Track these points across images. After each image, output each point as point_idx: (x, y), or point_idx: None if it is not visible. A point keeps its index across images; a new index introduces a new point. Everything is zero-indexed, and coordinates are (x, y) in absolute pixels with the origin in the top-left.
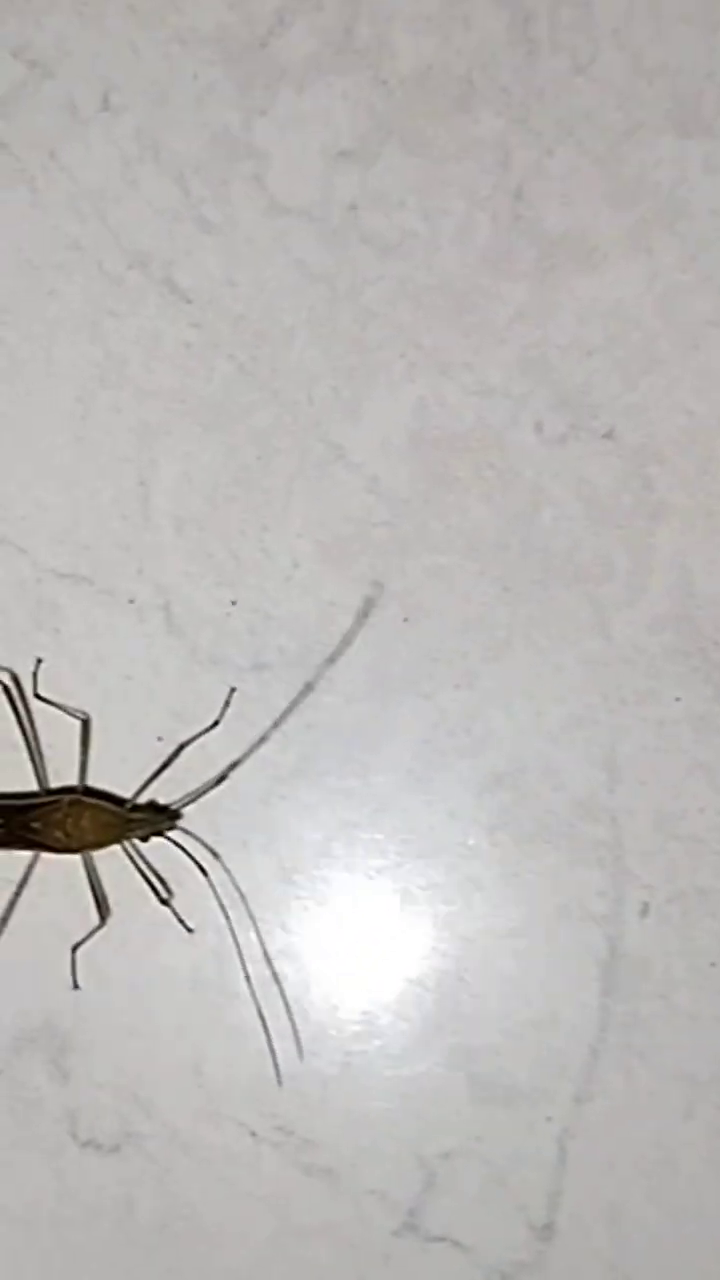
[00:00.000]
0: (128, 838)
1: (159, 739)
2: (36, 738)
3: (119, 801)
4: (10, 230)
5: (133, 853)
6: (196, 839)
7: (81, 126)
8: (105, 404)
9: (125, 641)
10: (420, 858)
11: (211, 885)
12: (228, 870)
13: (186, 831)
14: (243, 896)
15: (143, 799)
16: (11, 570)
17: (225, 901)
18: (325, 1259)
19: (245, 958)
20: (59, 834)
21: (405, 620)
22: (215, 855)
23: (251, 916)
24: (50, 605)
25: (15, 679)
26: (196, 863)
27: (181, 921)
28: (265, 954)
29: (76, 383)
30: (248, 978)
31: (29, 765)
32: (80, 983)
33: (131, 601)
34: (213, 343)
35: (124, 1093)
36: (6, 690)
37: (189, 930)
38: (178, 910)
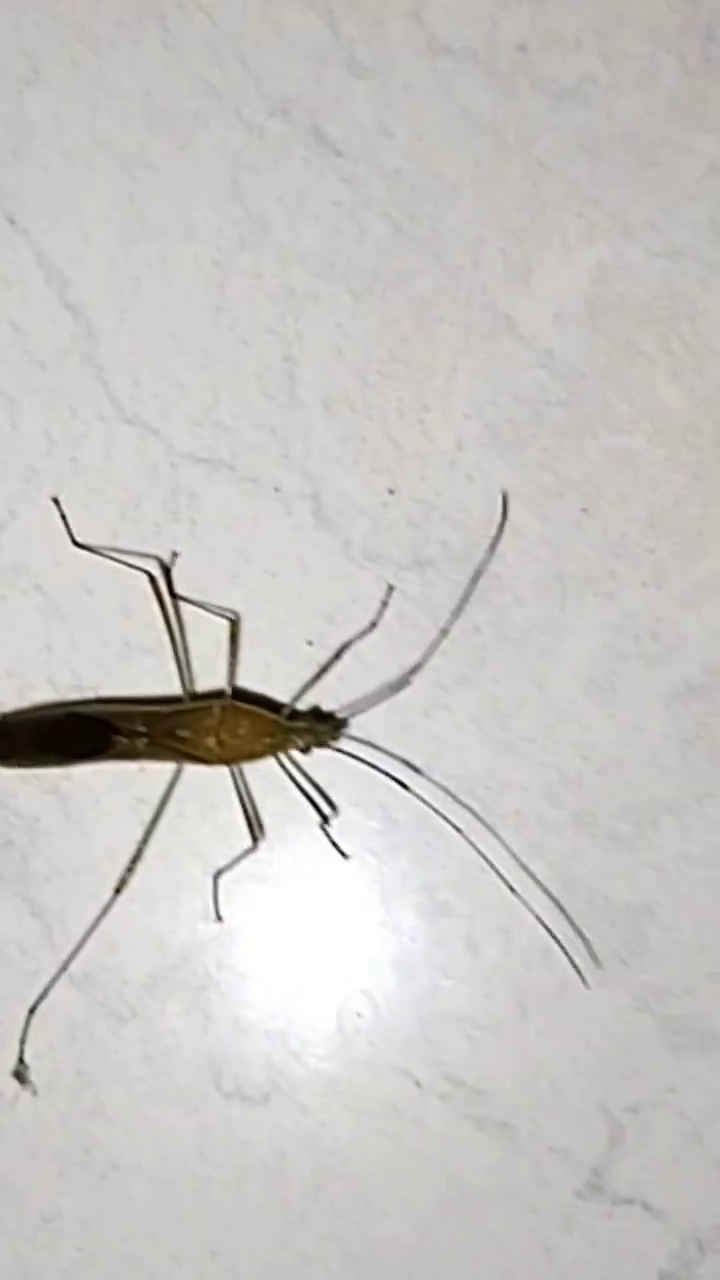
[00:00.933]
0: (286, 749)
1: (309, 643)
2: (183, 637)
3: (275, 708)
4: (140, 76)
5: (290, 767)
6: (384, 752)
7: None
8: (246, 269)
9: (270, 535)
10: (602, 775)
11: (418, 796)
12: (407, 787)
13: (364, 742)
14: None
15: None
16: (143, 455)
17: (385, 824)
18: (500, 1224)
19: (405, 888)
20: (210, 742)
21: (584, 511)
22: (414, 769)
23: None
24: (187, 493)
25: (165, 569)
26: (392, 776)
27: (336, 846)
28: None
29: (214, 245)
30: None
31: (171, 669)
32: (223, 914)
33: (277, 490)
34: (365, 200)
35: (273, 1037)
36: (153, 582)
37: (345, 856)
38: (332, 834)
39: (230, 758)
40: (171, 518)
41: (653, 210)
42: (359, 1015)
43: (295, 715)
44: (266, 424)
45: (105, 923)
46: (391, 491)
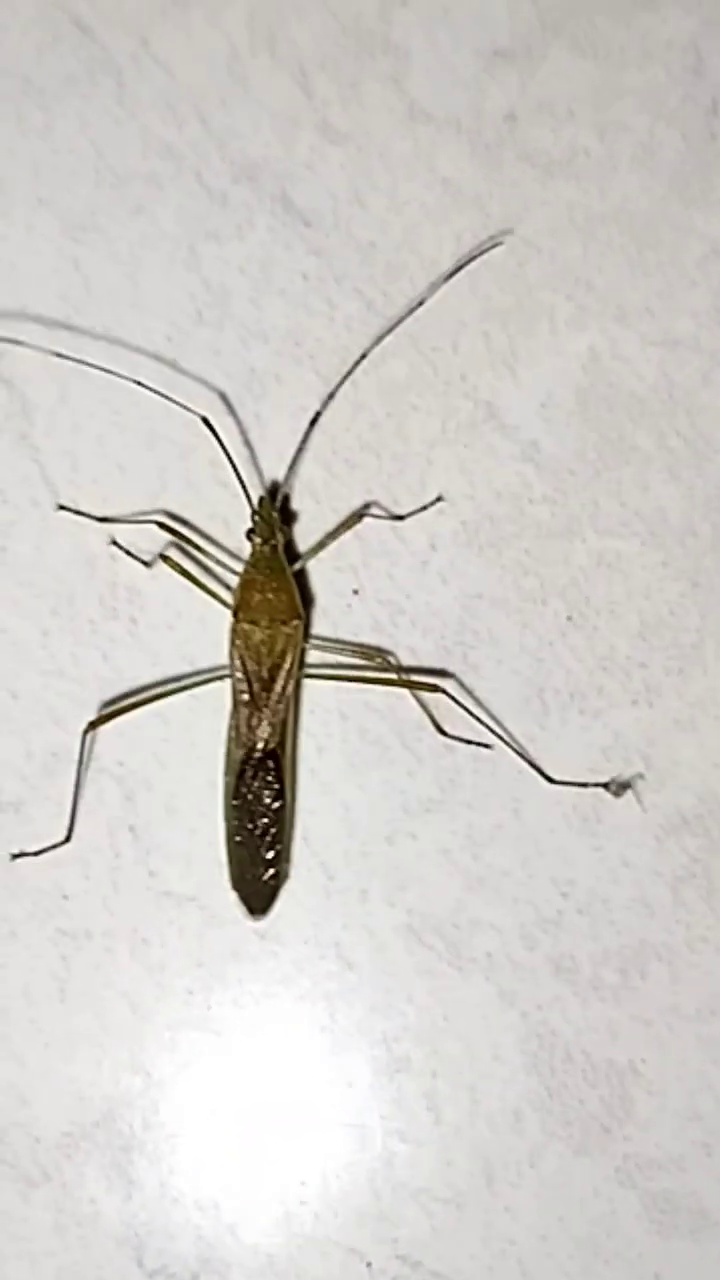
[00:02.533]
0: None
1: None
2: None
3: None
4: (93, 133)
5: None
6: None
7: (181, 10)
8: (202, 344)
9: (220, 636)
10: (583, 914)
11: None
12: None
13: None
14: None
15: None
16: (80, 545)
17: (339, 965)
18: None
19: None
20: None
21: (569, 619)
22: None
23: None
24: (126, 588)
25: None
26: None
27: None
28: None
29: (167, 318)
30: None
31: None
32: (153, 1067)
33: (228, 587)
34: (336, 275)
35: (204, 1208)
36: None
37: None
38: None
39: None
40: (109, 614)
41: (649, 295)
42: (303, 1184)
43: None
44: (218, 514)
45: (17, 1072)
46: (356, 592)
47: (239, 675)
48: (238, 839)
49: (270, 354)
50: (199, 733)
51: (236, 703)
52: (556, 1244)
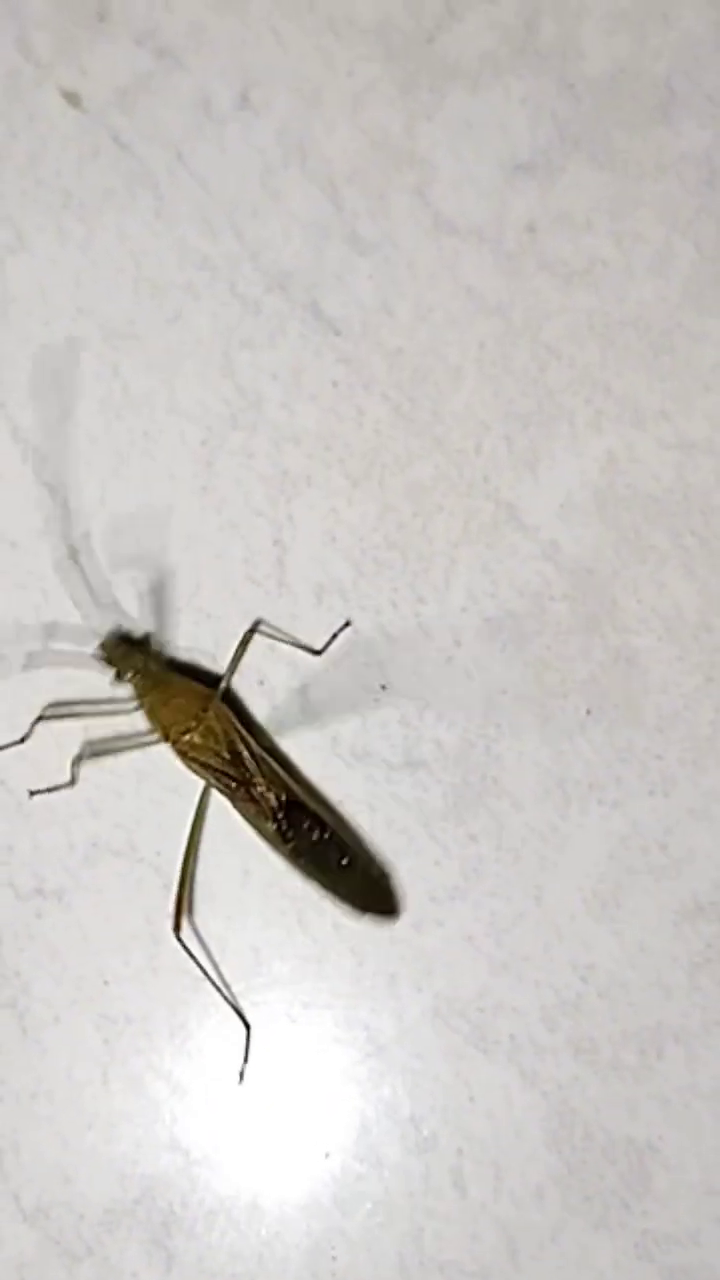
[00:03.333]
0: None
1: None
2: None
3: None
4: (130, 244)
5: None
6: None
7: (216, 126)
8: (236, 448)
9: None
10: (603, 998)
11: None
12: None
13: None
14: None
15: None
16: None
17: (370, 1049)
18: None
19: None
20: None
21: (589, 713)
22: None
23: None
24: None
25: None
26: None
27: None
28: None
29: (202, 423)
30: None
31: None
32: (190, 1144)
33: (261, 683)
34: (364, 381)
35: None
36: None
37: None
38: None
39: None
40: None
41: (665, 399)
42: (334, 1259)
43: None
44: (253, 612)
45: (60, 1152)
46: (384, 687)
47: (213, 779)
48: (316, 867)
49: (301, 456)
50: (232, 823)
51: (234, 798)
52: None
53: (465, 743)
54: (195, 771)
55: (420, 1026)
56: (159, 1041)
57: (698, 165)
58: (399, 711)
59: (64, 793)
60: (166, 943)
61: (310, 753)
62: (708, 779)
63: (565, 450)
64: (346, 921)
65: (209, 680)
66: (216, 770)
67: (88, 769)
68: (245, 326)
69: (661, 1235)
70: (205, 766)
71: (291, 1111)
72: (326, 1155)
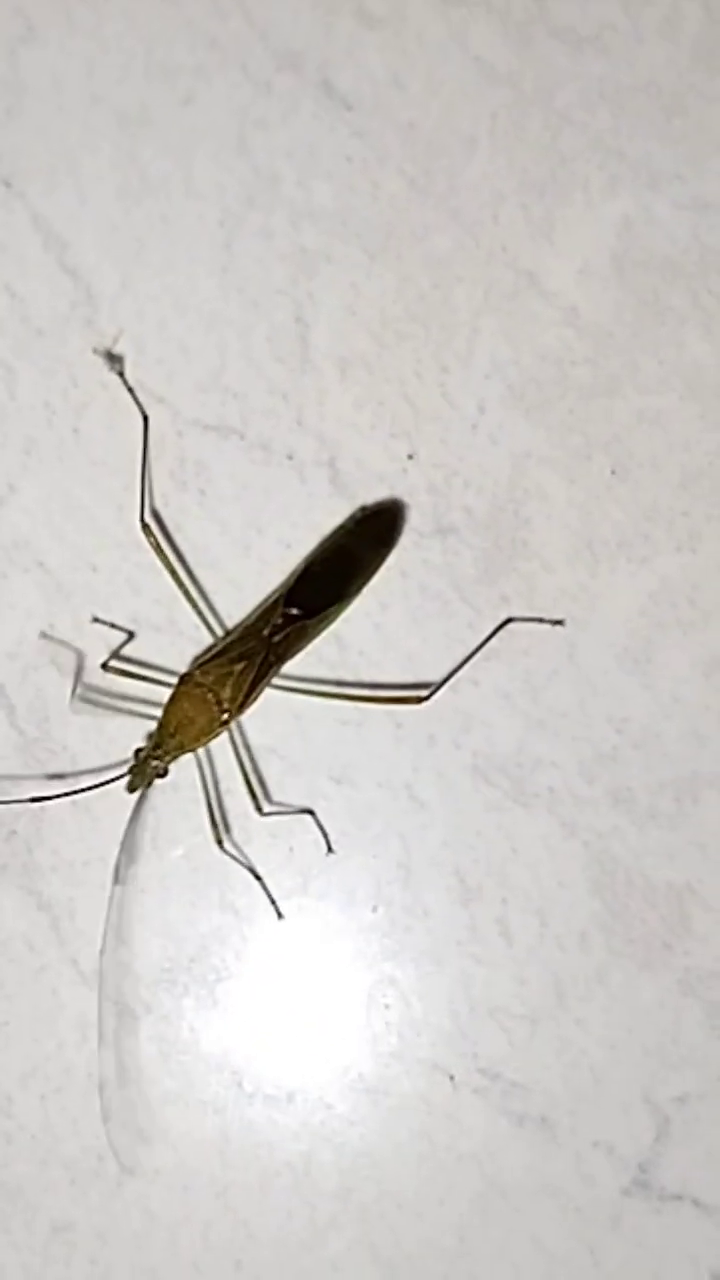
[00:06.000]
0: None
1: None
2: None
3: None
4: (139, 31)
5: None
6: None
7: None
8: (254, 228)
9: (283, 504)
10: (638, 748)
11: None
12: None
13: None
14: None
15: None
16: (150, 423)
17: (411, 804)
18: (542, 1225)
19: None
20: None
21: (613, 473)
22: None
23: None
24: (194, 462)
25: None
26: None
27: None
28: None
29: (220, 204)
30: None
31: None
32: (241, 904)
33: (290, 457)
34: (379, 155)
35: (296, 1033)
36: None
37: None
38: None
39: None
40: (179, 487)
41: (679, 161)
42: (387, 1007)
43: None
44: (278, 389)
45: (115, 916)
46: (411, 457)
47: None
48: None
49: (319, 233)
50: None
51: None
52: (625, 1052)
53: (494, 508)
54: None
55: (460, 783)
56: (198, 805)
57: None
58: (427, 479)
59: (102, 571)
60: None
61: (338, 523)
62: None
63: (581, 216)
64: (384, 683)
65: None
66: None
67: (122, 547)
68: (258, 106)
69: (704, 972)
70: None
71: (337, 870)
72: (374, 909)
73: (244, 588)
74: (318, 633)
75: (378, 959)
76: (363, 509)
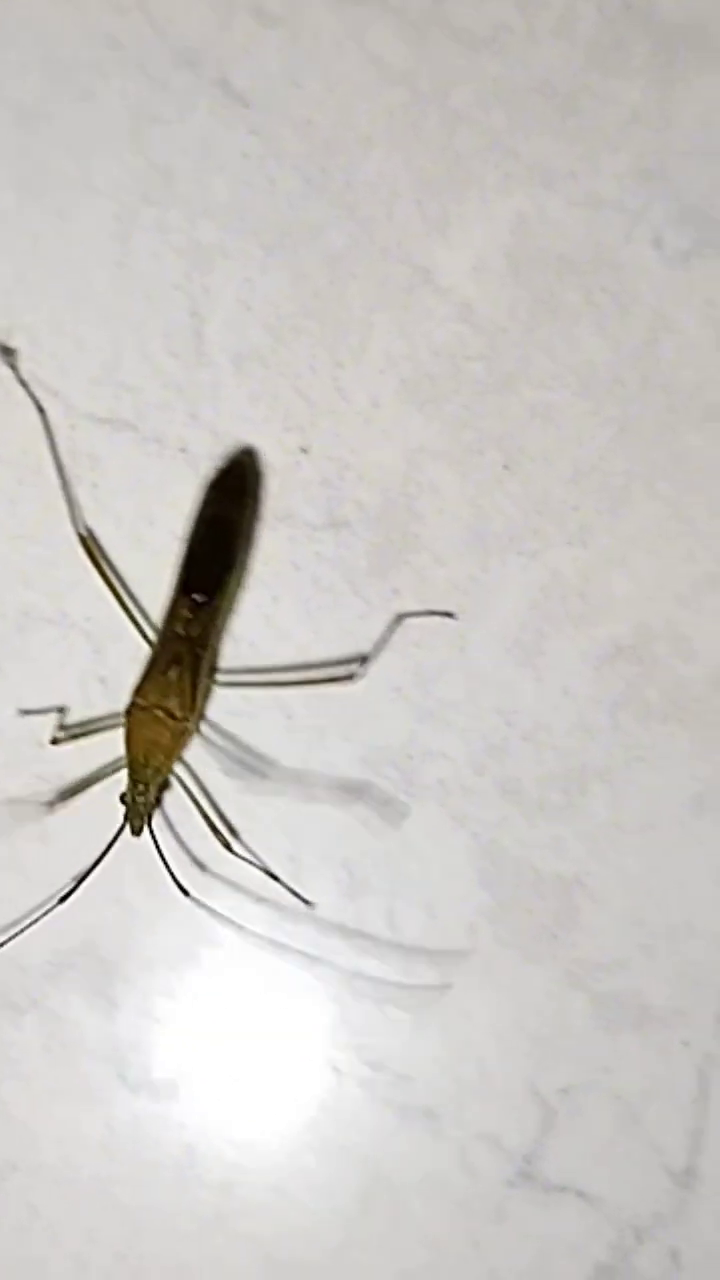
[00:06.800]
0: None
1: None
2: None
3: None
4: (37, 27)
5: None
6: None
7: None
8: (150, 223)
9: (176, 497)
10: (527, 740)
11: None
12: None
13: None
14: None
15: None
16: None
17: (300, 799)
18: (426, 1217)
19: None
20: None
21: (506, 468)
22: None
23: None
24: (87, 455)
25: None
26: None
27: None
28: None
29: (116, 199)
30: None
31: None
32: (127, 895)
33: (183, 450)
34: (275, 152)
35: (180, 1024)
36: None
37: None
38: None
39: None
40: (72, 481)
41: (573, 160)
42: (273, 999)
43: None
44: (173, 383)
45: None
46: (304, 450)
47: None
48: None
49: (215, 228)
50: None
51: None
52: (512, 1044)
53: (386, 501)
54: None
55: (349, 776)
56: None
57: None
58: (320, 473)
59: None
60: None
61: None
62: (623, 526)
63: (476, 213)
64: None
65: None
66: None
67: (16, 540)
68: (155, 103)
69: (591, 964)
70: None
71: (223, 860)
72: (261, 900)
73: (137, 580)
74: (230, 608)
75: (265, 950)
76: (214, 472)
